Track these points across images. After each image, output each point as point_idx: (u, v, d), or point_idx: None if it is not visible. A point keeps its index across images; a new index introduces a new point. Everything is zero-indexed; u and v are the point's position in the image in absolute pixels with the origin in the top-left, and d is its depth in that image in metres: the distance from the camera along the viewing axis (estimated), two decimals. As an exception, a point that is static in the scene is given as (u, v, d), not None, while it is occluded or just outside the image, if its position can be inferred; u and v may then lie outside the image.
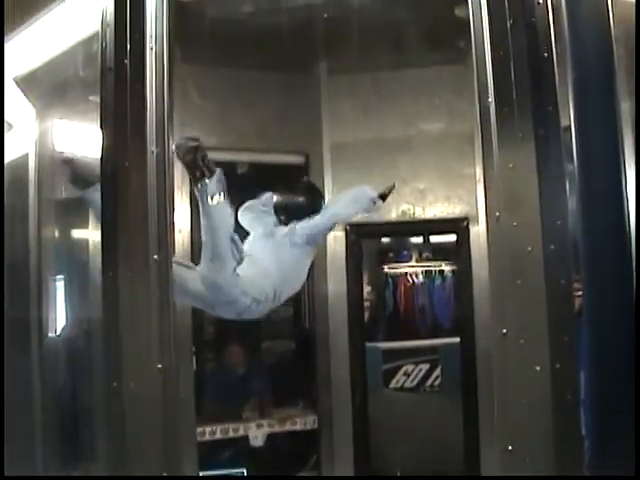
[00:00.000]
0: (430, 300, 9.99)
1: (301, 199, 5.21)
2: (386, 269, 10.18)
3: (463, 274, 7.96)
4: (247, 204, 5.38)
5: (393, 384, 8.60)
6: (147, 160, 3.44)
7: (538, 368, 3.14)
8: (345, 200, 5.16)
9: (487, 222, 3.31)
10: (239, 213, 5.29)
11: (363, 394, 7.79)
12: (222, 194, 4.21)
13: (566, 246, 3.24)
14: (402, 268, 10.11)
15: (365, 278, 9.28)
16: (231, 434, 7.64)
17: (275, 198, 5.26)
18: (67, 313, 6.65)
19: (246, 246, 4.93)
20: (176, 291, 3.87)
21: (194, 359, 7.77)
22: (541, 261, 3.20)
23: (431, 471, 8.02)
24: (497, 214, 3.24)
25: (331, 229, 5.25)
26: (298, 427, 7.82)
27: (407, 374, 8.64)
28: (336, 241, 7.76)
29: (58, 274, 6.54)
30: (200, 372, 8.15)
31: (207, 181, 4.10)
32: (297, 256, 4.99)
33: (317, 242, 5.19)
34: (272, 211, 5.22)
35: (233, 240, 4.39)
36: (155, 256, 3.29)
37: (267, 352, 8.67)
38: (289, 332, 8.73)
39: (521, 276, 3.19)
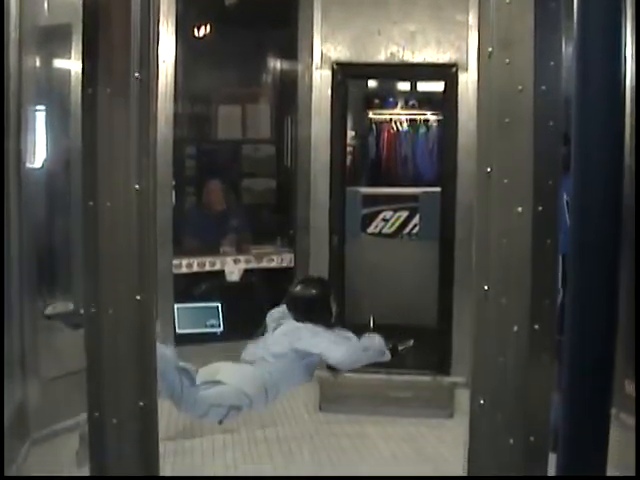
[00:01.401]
0: (413, 149, 9.91)
1: (311, 292, 5.35)
2: (371, 115, 10.06)
3: (448, 124, 7.89)
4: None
5: (371, 229, 8.61)
6: (131, -25, 3.31)
7: (520, 209, 3.12)
8: (359, 343, 5.24)
9: (479, 58, 3.24)
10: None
11: (341, 237, 7.81)
12: None
13: (557, 88, 3.18)
14: (387, 115, 10.00)
15: (349, 122, 9.19)
16: (208, 268, 7.69)
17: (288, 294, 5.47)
18: (47, 145, 6.55)
19: (250, 349, 5.26)
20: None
21: (173, 192, 7.76)
22: (531, 101, 3.15)
23: (404, 313, 8.13)
24: (490, 50, 3.16)
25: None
26: (274, 264, 7.88)
27: (385, 220, 8.64)
28: (322, 81, 7.64)
29: (38, 105, 6.41)
30: (179, 206, 8.15)
31: None
32: (294, 358, 5.14)
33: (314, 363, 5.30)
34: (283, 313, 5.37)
35: (179, 370, 4.73)
36: (137, 74, 3.21)
37: (247, 190, 8.65)
38: (270, 171, 8.69)
39: (509, 115, 3.14)
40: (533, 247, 3.16)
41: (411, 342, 5.32)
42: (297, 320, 5.19)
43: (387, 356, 5.27)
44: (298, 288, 5.36)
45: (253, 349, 5.25)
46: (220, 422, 5.03)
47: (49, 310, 4.73)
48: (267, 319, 5.48)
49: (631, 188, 4.12)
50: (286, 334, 5.11)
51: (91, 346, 3.30)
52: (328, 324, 5.25)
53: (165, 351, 4.63)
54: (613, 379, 3.02)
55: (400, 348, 5.24)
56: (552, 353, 3.27)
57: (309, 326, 5.13)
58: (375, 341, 5.19)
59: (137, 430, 3.29)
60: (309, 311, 5.20)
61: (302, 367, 5.13)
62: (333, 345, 5.04)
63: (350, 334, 5.24)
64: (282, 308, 5.48)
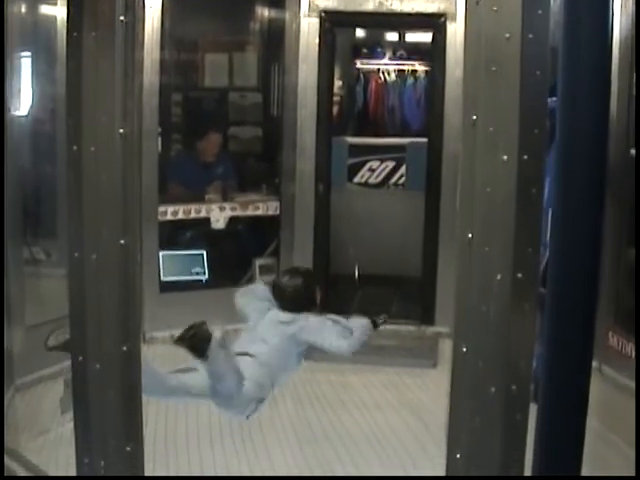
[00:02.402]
0: (401, 99, 9.91)
1: (294, 283, 5.31)
2: (358, 64, 10.03)
3: (436, 75, 7.87)
4: (242, 290, 5.61)
5: (357, 179, 8.64)
6: None
7: (505, 158, 3.11)
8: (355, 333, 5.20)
9: (466, 6, 3.20)
10: (236, 298, 5.47)
11: (327, 186, 7.80)
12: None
13: (545, 36, 3.16)
14: (375, 65, 9.97)
15: (337, 71, 9.15)
16: (193, 215, 7.68)
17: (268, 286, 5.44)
18: (33, 91, 6.50)
19: (244, 340, 5.20)
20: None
21: (159, 140, 7.72)
22: (518, 50, 3.12)
23: (389, 263, 8.16)
24: (477, -4, 3.13)
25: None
26: (260, 212, 7.88)
27: (372, 170, 8.66)
28: (310, 29, 7.58)
29: (24, 50, 6.35)
30: (165, 154, 8.11)
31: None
32: (292, 347, 5.15)
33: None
34: (266, 300, 5.35)
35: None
36: (122, 17, 3.17)
37: (233, 137, 8.62)
38: (257, 119, 8.65)
39: (496, 63, 3.11)
40: (518, 196, 3.15)
41: (385, 315, 5.38)
42: (283, 309, 5.22)
43: (372, 334, 5.35)
44: (285, 278, 5.39)
45: (245, 339, 5.25)
46: (247, 417, 5.11)
47: (51, 341, 4.73)
48: (242, 300, 5.47)
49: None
50: (281, 323, 5.14)
51: (74, 291, 3.30)
52: (314, 312, 5.30)
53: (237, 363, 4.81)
54: (594, 330, 3.03)
55: (380, 322, 5.30)
56: (535, 302, 3.28)
57: (311, 318, 5.17)
58: (363, 325, 5.24)
59: (121, 375, 3.30)
60: (296, 301, 5.23)
61: (296, 355, 5.19)
62: (339, 340, 5.10)
63: (337, 319, 5.29)
64: (259, 292, 5.47)
